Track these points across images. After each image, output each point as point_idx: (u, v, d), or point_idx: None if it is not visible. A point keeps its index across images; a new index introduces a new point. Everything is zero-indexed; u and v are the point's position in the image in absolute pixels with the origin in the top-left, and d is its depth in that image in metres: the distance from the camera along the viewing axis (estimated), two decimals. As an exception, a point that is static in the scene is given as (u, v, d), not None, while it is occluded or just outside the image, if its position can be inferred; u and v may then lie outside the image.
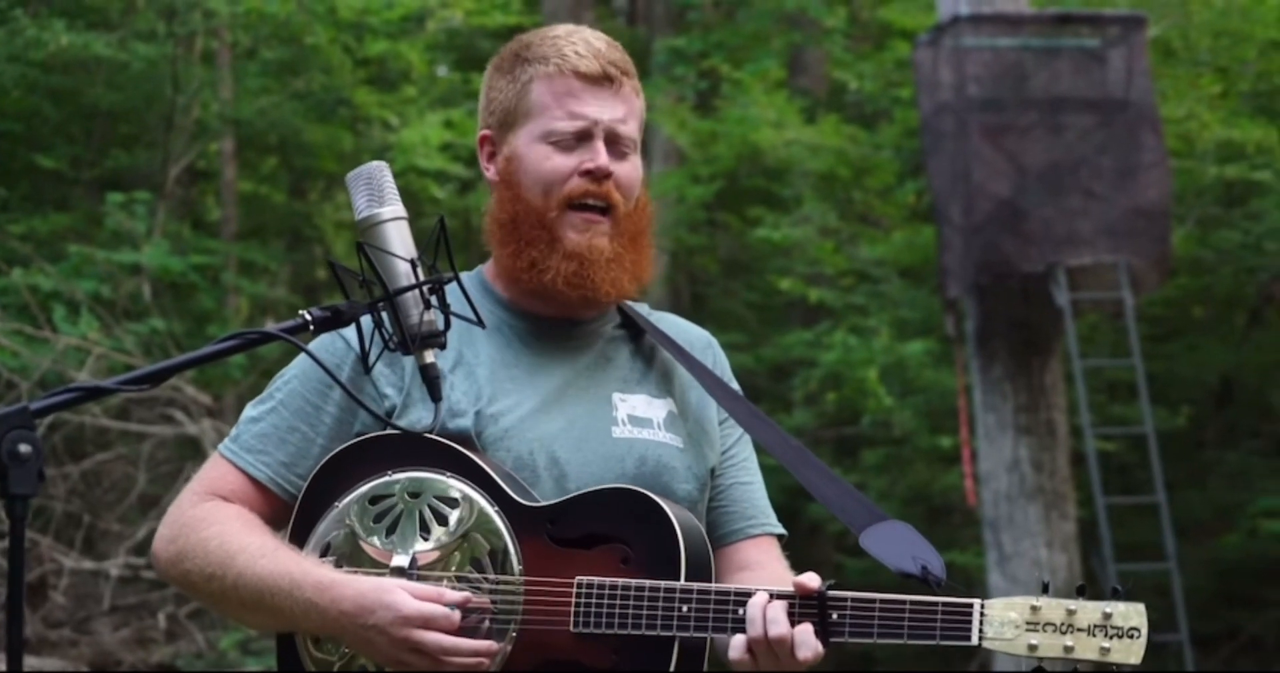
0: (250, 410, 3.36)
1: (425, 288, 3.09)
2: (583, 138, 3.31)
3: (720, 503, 3.44)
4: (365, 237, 3.11)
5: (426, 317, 3.09)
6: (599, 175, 3.30)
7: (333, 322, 3.05)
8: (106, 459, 12.67)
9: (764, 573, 3.36)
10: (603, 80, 3.31)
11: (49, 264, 13.37)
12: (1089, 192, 12.62)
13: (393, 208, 3.13)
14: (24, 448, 2.68)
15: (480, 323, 3.20)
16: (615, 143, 3.32)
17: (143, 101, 15.54)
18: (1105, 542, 12.47)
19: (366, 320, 3.14)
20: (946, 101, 12.85)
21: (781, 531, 3.49)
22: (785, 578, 3.31)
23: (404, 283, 3.09)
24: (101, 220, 14.26)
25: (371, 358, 3.16)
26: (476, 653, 3.11)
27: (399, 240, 3.12)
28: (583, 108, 3.30)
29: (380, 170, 3.17)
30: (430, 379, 3.13)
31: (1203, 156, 14.70)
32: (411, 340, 3.09)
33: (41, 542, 11.96)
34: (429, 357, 3.13)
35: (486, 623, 3.16)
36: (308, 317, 3.04)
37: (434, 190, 17.20)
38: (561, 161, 3.30)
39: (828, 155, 16.27)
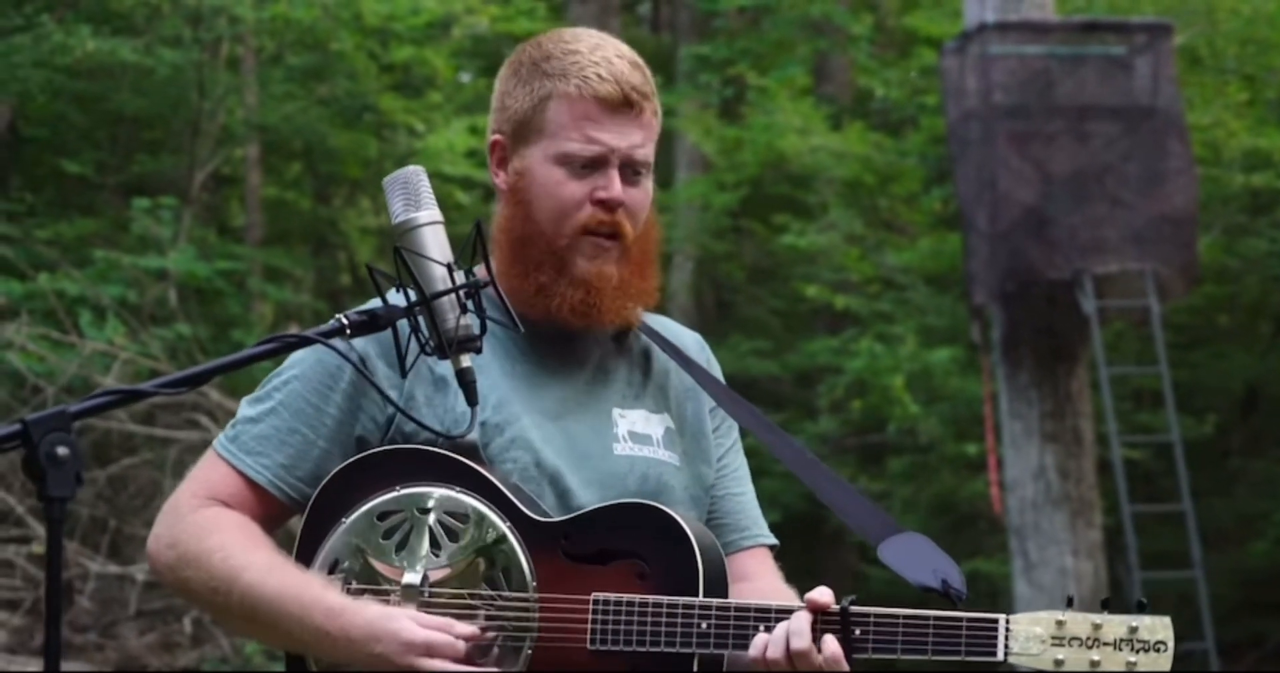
0: (248, 410, 3.29)
1: (461, 292, 3.07)
2: (598, 164, 3.24)
3: (713, 514, 3.40)
4: (401, 241, 3.09)
5: (463, 321, 3.06)
6: (612, 205, 3.25)
7: (369, 325, 3.04)
8: (132, 464, 12.69)
9: (761, 584, 3.33)
10: (623, 106, 3.24)
11: (75, 269, 13.40)
12: (1115, 199, 12.60)
13: (429, 212, 3.11)
14: (62, 451, 2.66)
15: (517, 327, 3.18)
16: (629, 168, 3.26)
17: (168, 107, 15.58)
18: (1131, 550, 12.45)
19: (402, 325, 3.10)
20: (973, 109, 12.84)
21: (773, 541, 3.44)
22: (780, 589, 3.31)
23: (440, 287, 3.06)
24: (127, 226, 14.29)
25: (409, 361, 3.12)
26: None
27: (435, 245, 3.08)
28: (600, 134, 3.23)
29: (417, 175, 3.13)
30: (467, 384, 3.09)
31: (1229, 164, 14.67)
32: (448, 345, 3.06)
33: (68, 546, 11.97)
34: (465, 361, 3.09)
35: (498, 645, 3.11)
36: (344, 320, 3.01)
37: (459, 196, 17.22)
38: (575, 188, 3.24)
39: (853, 162, 16.27)
